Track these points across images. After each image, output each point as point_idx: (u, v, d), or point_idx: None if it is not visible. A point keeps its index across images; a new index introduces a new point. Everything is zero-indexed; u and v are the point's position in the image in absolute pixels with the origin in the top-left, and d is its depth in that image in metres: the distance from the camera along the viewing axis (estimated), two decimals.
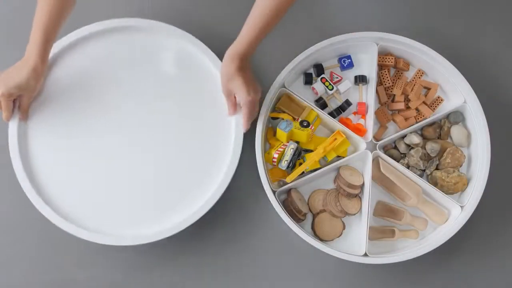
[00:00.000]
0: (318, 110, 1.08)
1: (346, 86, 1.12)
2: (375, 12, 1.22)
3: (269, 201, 1.02)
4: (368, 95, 1.11)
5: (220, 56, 1.03)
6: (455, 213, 1.05)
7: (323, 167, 1.07)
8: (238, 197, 1.09)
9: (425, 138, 1.10)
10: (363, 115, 1.11)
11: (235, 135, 1.07)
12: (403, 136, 1.10)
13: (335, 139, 1.05)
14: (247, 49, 0.98)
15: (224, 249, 1.10)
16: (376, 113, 1.11)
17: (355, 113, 1.12)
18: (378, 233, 1.06)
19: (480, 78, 1.13)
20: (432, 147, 1.08)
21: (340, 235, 1.07)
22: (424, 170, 1.09)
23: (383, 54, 1.13)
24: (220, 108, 1.09)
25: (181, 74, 1.12)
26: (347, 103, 1.11)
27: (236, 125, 1.08)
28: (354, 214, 1.07)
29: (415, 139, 1.08)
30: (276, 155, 1.05)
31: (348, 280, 1.09)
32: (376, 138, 1.10)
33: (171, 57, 1.13)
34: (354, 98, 1.13)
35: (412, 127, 1.09)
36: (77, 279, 1.09)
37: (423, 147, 1.09)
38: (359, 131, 1.08)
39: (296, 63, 1.08)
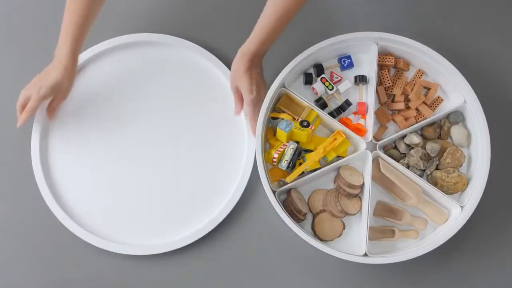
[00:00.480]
0: (318, 110, 1.08)
1: (346, 86, 1.12)
2: (375, 12, 1.22)
3: (269, 201, 1.02)
4: (368, 95, 1.11)
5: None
6: (455, 213, 1.05)
7: (323, 167, 1.07)
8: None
9: (425, 138, 1.10)
10: (363, 115, 1.11)
11: (248, 144, 1.11)
12: (403, 136, 1.10)
13: (335, 139, 1.05)
14: (257, 48, 1.01)
15: (224, 249, 1.10)
16: (376, 113, 1.11)
17: (355, 113, 1.12)
18: (378, 233, 1.06)
19: (480, 78, 1.12)
20: (432, 147, 1.08)
21: (340, 235, 1.07)
22: (424, 170, 1.09)
23: (383, 54, 1.13)
24: (233, 118, 1.12)
25: (193, 86, 1.15)
26: (347, 103, 1.11)
27: (248, 133, 1.11)
28: (354, 214, 1.07)
29: (415, 139, 1.08)
30: (276, 155, 1.04)
31: (348, 280, 1.09)
32: (376, 138, 1.10)
33: (183, 70, 1.16)
34: (354, 98, 1.13)
35: (412, 127, 1.09)
36: (77, 279, 1.09)
37: (423, 147, 1.09)
38: (359, 131, 1.08)
39: (296, 63, 1.08)
